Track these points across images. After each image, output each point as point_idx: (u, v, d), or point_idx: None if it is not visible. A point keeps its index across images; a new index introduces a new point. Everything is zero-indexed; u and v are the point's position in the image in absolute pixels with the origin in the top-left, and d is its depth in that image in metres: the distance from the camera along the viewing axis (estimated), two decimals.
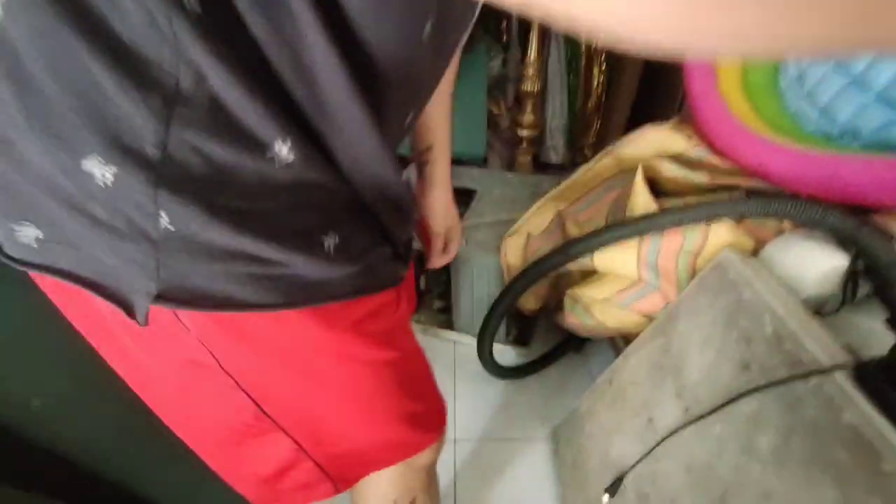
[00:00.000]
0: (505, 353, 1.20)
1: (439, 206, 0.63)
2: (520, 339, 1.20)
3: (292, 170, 0.31)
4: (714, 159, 0.85)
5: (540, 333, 1.25)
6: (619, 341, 1.15)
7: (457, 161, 1.52)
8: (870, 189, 0.60)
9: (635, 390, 0.72)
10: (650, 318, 0.78)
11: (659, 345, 0.70)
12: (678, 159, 0.83)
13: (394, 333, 0.45)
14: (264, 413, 0.40)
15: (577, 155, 1.98)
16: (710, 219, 0.62)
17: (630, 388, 0.73)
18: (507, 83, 1.93)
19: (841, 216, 0.56)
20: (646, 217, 0.67)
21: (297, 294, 0.35)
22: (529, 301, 1.06)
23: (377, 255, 0.40)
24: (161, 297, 0.31)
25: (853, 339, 0.54)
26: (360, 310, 0.40)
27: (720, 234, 0.66)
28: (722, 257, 0.63)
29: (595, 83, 1.84)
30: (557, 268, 0.77)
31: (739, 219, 0.73)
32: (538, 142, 1.96)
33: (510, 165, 1.94)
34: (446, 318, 1.26)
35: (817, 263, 0.58)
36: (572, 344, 1.17)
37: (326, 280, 0.36)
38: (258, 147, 0.29)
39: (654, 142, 0.88)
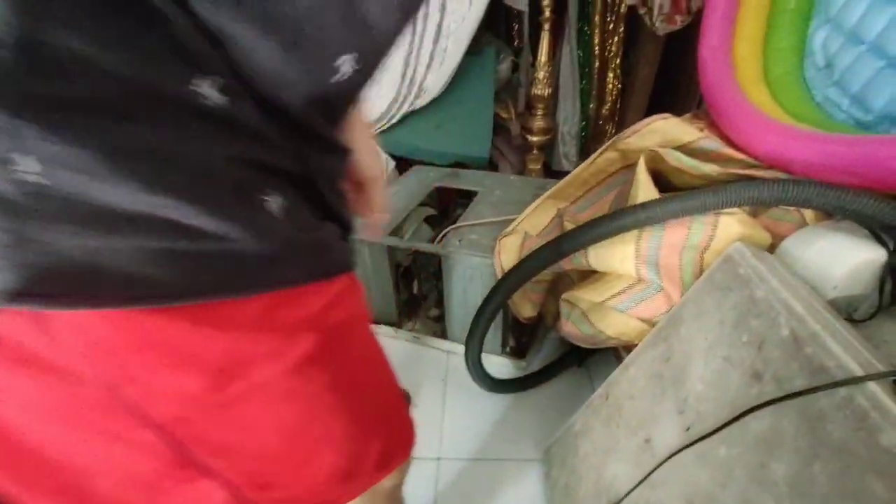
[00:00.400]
0: (502, 366, 1.11)
1: (363, 148, 0.46)
2: (517, 351, 1.11)
3: (221, 107, 0.24)
4: (727, 150, 0.77)
5: (541, 345, 1.16)
6: (624, 353, 1.05)
7: (460, 164, 1.47)
8: None
9: (632, 405, 0.63)
10: (652, 325, 0.69)
11: (659, 353, 0.61)
12: (686, 149, 0.75)
13: (352, 338, 0.38)
14: (186, 456, 0.31)
15: None
16: (719, 206, 0.54)
17: (627, 404, 0.64)
18: (517, 88, 1.89)
19: (877, 200, 0.47)
20: (645, 206, 0.59)
21: (235, 277, 0.27)
22: (525, 308, 0.98)
23: (328, 230, 0.33)
24: (23, 295, 0.22)
25: (892, 350, 0.45)
26: (313, 304, 0.32)
27: (730, 227, 0.58)
28: (732, 250, 0.54)
29: (609, 87, 1.77)
30: (549, 265, 0.70)
31: (754, 209, 0.64)
32: (549, 148, 1.89)
33: (520, 173, 1.88)
34: (441, 327, 1.19)
35: (847, 257, 0.48)
36: (574, 357, 1.07)
37: (274, 256, 0.28)
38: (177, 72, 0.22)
39: (662, 132, 0.80)
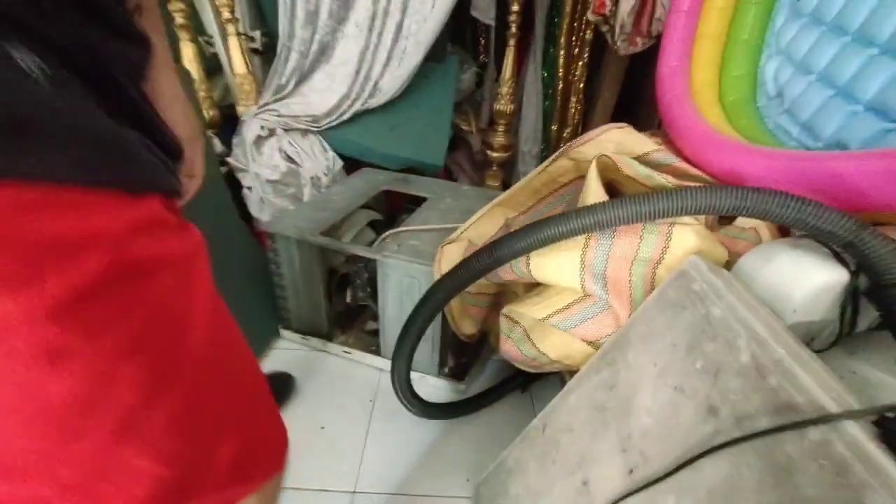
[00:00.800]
0: (438, 388, 1.00)
1: (177, 114, 0.42)
2: (456, 372, 1.01)
3: None
4: (682, 164, 0.72)
5: (484, 366, 1.06)
6: (569, 379, 0.97)
7: (413, 170, 1.39)
8: (869, 186, 0.46)
9: (571, 440, 0.54)
10: (598, 348, 0.61)
11: (603, 379, 0.53)
12: (640, 161, 0.70)
13: (174, 292, 0.29)
14: None
15: None
16: (674, 212, 0.48)
17: (565, 438, 0.55)
18: (481, 103, 1.85)
19: (839, 214, 0.42)
20: (593, 208, 0.52)
21: None
22: (465, 324, 0.89)
23: (132, 136, 0.27)
24: None
25: (860, 384, 0.39)
26: (100, 220, 0.24)
27: (686, 239, 0.52)
28: (687, 264, 0.48)
29: (572, 111, 1.77)
30: (485, 272, 0.61)
31: (710, 225, 0.59)
32: (510, 166, 1.86)
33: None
34: (377, 343, 1.07)
35: (808, 278, 0.43)
36: (518, 381, 0.98)
37: (26, 127, 0.21)
38: None
39: (616, 142, 0.75)
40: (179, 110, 0.44)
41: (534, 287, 0.74)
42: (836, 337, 0.44)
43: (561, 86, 1.71)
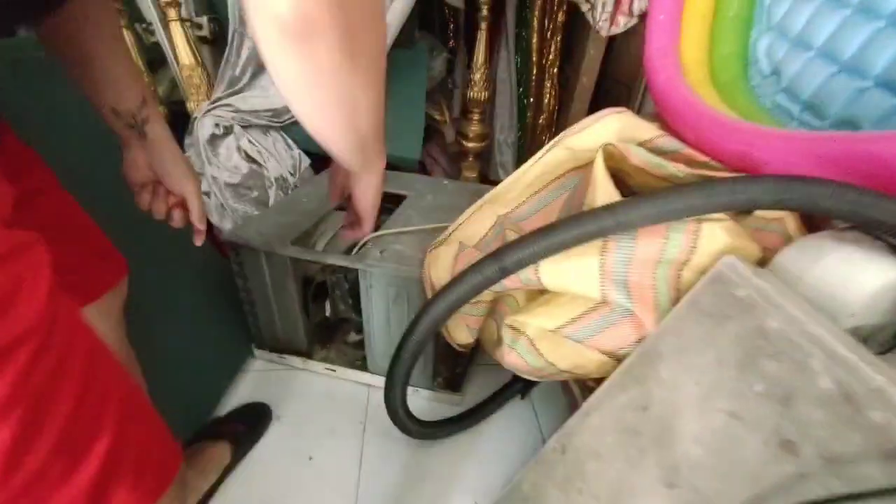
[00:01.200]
0: (433, 402, 0.93)
1: (167, 167, 0.53)
2: (451, 383, 0.94)
3: None
4: (688, 150, 0.67)
5: (476, 372, 1.00)
6: (575, 386, 0.92)
7: (389, 166, 1.30)
8: None
9: (599, 468, 0.48)
10: (618, 359, 0.56)
11: (631, 399, 0.47)
12: (646, 147, 0.64)
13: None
14: None
15: None
16: (709, 209, 0.42)
17: (592, 465, 0.50)
18: (453, 91, 1.77)
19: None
20: (612, 208, 0.45)
21: None
22: (461, 334, 0.82)
23: None
24: None
25: None
26: None
27: (716, 237, 0.46)
28: (723, 266, 0.42)
29: (547, 98, 1.71)
30: (489, 285, 0.54)
31: (746, 213, 0.53)
32: (486, 157, 1.79)
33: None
34: (361, 356, 0.99)
35: (867, 277, 0.38)
36: (517, 387, 0.93)
37: None
38: None
39: (616, 129, 0.69)
40: (180, 177, 0.54)
41: (538, 293, 0.68)
42: (893, 342, 0.40)
43: (535, 71, 1.65)
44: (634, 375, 0.48)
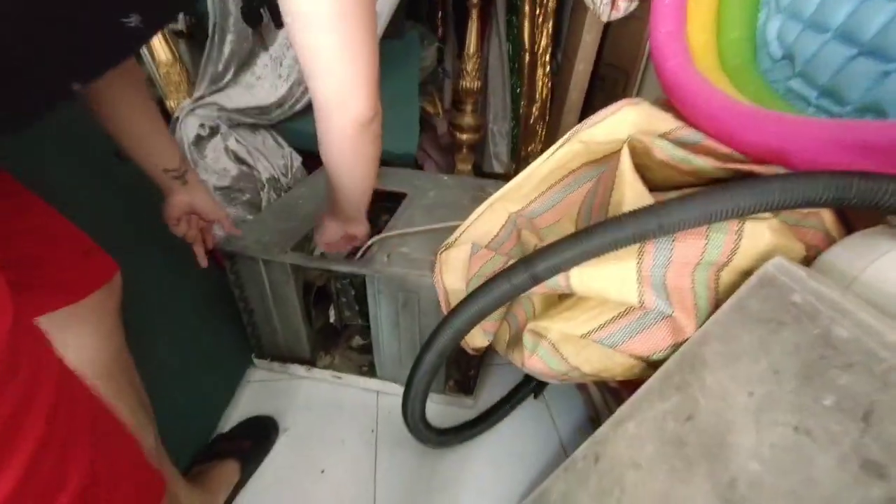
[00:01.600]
0: (446, 406, 0.91)
1: (206, 202, 0.68)
2: (463, 386, 0.92)
3: None
4: (709, 142, 0.65)
5: (488, 374, 0.98)
6: (593, 386, 0.91)
7: (384, 162, 1.25)
8: None
9: (640, 479, 0.46)
10: (648, 362, 0.54)
11: (673, 407, 0.45)
12: (666, 139, 0.61)
13: None
14: None
15: (522, 165, 1.79)
16: (760, 208, 0.39)
17: (631, 475, 0.48)
18: (443, 81, 1.72)
19: None
20: (653, 210, 0.43)
21: None
22: (476, 338, 0.79)
23: None
24: None
25: None
26: None
27: (759, 237, 0.44)
28: (772, 268, 0.40)
29: (540, 86, 1.67)
30: (517, 294, 0.51)
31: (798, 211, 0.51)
32: (479, 148, 1.75)
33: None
34: (367, 361, 0.95)
35: None
36: (530, 387, 0.91)
37: None
38: None
39: (633, 121, 0.66)
40: (208, 204, 0.70)
41: (556, 297, 0.65)
42: None
43: (527, 58, 1.61)
44: (675, 383, 0.46)
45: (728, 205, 0.40)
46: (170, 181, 0.63)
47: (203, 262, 0.73)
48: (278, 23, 0.48)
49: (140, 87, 0.56)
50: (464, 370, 0.91)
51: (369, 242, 0.83)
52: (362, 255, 0.82)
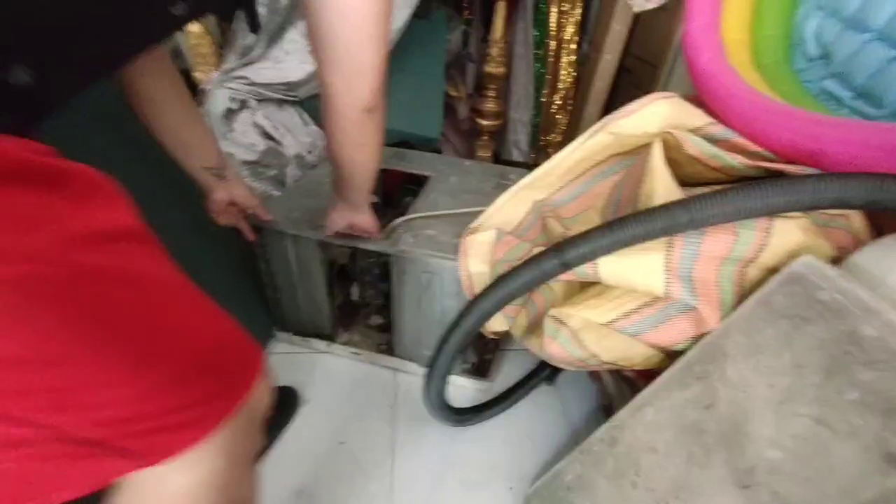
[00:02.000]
0: (462, 388, 0.94)
1: (244, 193, 0.74)
2: (480, 369, 0.94)
3: None
4: (739, 139, 0.65)
5: (504, 359, 1.00)
6: (606, 374, 0.93)
7: (407, 144, 1.26)
8: None
9: (656, 463, 0.48)
10: (668, 353, 0.55)
11: (693, 396, 0.47)
12: (699, 134, 0.62)
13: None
14: None
15: (542, 154, 1.79)
16: (791, 208, 0.40)
17: (647, 459, 0.50)
18: (466, 64, 1.71)
19: None
20: (685, 204, 0.44)
21: None
22: (497, 321, 0.81)
23: None
24: None
25: None
26: None
27: (789, 235, 0.45)
28: (800, 266, 0.41)
29: (563, 74, 1.66)
30: (545, 280, 0.53)
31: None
32: (499, 136, 1.75)
33: None
34: (385, 340, 0.98)
35: None
36: (545, 373, 0.93)
37: None
38: None
39: (664, 115, 0.66)
40: (243, 194, 0.75)
41: (577, 284, 0.67)
42: None
43: (553, 46, 1.59)
44: (696, 373, 0.48)
45: (760, 203, 0.41)
46: (210, 178, 0.67)
47: (250, 235, 0.79)
48: (254, 26, 0.50)
49: (183, 91, 0.58)
50: (481, 354, 0.94)
51: (395, 223, 0.85)
52: (388, 236, 0.84)
